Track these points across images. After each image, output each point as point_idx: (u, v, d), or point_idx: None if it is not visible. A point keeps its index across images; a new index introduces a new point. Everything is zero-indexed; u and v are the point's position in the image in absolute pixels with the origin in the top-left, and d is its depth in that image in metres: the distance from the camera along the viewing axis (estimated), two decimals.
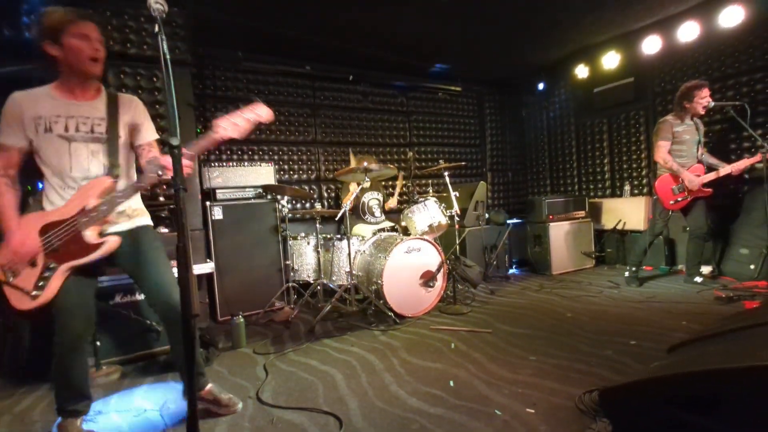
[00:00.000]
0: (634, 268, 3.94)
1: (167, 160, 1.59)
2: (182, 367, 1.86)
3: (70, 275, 1.66)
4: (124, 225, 1.81)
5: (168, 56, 1.06)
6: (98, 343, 2.51)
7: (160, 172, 1.63)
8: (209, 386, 1.95)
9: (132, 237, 1.81)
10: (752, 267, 3.65)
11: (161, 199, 3.28)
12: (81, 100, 1.74)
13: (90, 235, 1.66)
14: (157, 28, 1.14)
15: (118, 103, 1.80)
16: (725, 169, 3.50)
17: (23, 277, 1.61)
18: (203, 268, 3.27)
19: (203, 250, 3.47)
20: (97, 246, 1.67)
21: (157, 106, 3.16)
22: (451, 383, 2.11)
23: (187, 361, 1.17)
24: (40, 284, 1.62)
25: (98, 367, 2.49)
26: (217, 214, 3.61)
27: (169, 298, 1.76)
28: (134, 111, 1.85)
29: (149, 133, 1.88)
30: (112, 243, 1.70)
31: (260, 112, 1.68)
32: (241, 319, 2.93)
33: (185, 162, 1.51)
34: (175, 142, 1.03)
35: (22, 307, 1.61)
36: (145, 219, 1.91)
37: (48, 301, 1.62)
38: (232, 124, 1.61)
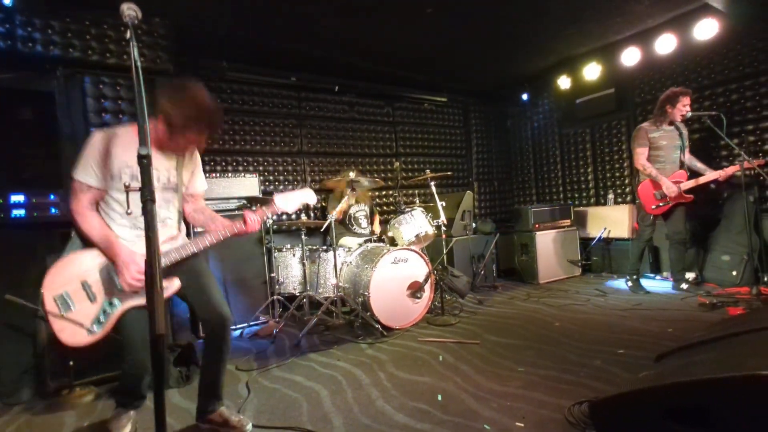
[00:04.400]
0: (635, 276, 3.95)
1: (250, 218, 1.84)
2: (203, 386, 1.92)
3: (131, 309, 1.71)
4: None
5: (139, 63, 1.03)
6: (71, 363, 2.39)
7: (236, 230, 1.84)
8: (221, 409, 1.93)
9: (186, 266, 1.85)
10: (734, 273, 3.70)
11: None
12: (164, 151, 1.79)
13: None
14: (129, 34, 1.10)
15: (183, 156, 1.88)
16: (712, 175, 3.52)
17: (79, 312, 1.62)
18: None
19: None
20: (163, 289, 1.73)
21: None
22: (439, 397, 2.07)
23: (155, 378, 1.11)
24: (100, 320, 1.66)
25: (72, 388, 2.37)
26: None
27: (222, 311, 1.86)
28: (195, 161, 1.95)
29: (201, 183, 2.00)
30: (174, 288, 1.76)
31: (310, 200, 2.04)
32: None
33: (255, 218, 1.86)
34: (143, 151, 0.99)
35: (76, 342, 1.61)
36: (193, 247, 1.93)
37: (102, 337, 1.66)
38: (287, 202, 1.97)
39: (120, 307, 1.70)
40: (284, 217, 4.52)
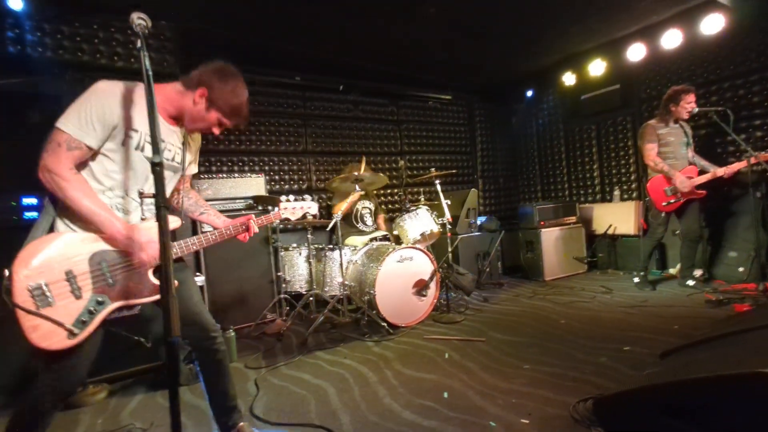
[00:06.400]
0: (642, 273, 3.94)
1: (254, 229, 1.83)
2: (214, 405, 1.76)
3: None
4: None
5: (150, 73, 1.05)
6: None
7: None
8: (242, 425, 1.75)
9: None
10: (741, 270, 3.68)
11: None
12: (173, 124, 1.61)
13: (153, 274, 1.47)
14: (139, 44, 1.13)
15: (190, 134, 1.73)
16: (717, 172, 3.49)
17: (59, 309, 1.30)
18: None
19: (193, 263, 3.43)
20: (156, 288, 1.46)
21: None
22: (445, 395, 2.09)
23: (169, 383, 1.13)
24: (84, 319, 1.34)
25: (85, 386, 2.42)
26: (208, 226, 3.55)
27: (206, 322, 1.66)
28: (197, 146, 1.80)
29: (194, 167, 1.84)
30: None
31: (312, 211, 2.03)
32: (232, 333, 2.88)
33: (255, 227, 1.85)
34: (156, 159, 1.02)
35: (51, 345, 1.29)
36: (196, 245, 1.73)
37: (83, 341, 1.35)
38: (292, 211, 1.99)
39: (108, 306, 1.41)
40: None
